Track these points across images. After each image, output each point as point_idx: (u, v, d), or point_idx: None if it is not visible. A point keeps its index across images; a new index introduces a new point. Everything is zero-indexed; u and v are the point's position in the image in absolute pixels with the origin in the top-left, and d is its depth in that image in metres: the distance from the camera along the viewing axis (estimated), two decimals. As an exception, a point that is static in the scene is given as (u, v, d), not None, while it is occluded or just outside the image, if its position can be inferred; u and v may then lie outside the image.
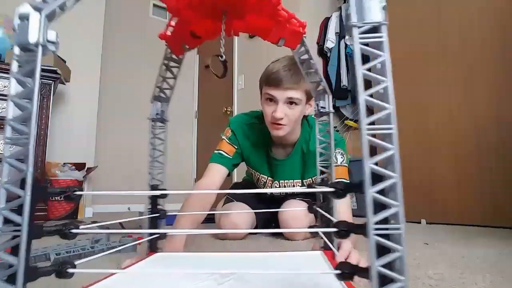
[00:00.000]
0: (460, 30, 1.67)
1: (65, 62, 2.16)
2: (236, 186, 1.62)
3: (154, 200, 0.65)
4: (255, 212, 1.23)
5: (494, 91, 1.53)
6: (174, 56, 0.56)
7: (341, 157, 1.14)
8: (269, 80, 1.06)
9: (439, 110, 1.69)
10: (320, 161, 0.65)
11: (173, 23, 0.50)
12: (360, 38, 0.29)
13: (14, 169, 0.32)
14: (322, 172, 0.64)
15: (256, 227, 1.28)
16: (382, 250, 0.27)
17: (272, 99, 1.07)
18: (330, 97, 0.61)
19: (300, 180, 1.24)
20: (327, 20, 2.52)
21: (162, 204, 0.65)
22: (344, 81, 2.36)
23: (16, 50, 0.32)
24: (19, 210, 0.31)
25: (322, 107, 0.61)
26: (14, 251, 0.30)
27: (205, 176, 1.12)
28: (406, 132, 1.85)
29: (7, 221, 0.31)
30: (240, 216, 1.20)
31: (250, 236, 1.25)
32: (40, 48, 0.31)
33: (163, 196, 0.60)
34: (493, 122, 1.52)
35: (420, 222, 1.68)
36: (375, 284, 0.27)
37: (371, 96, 0.30)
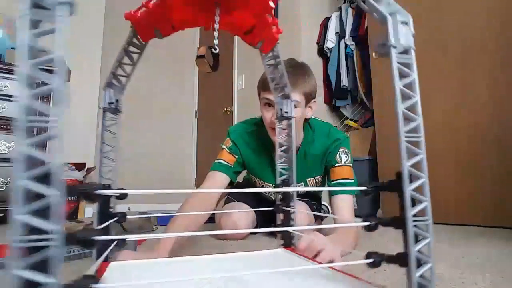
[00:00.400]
0: (460, 30, 1.67)
1: (64, 62, 2.16)
2: (237, 186, 1.63)
3: (106, 201, 0.52)
4: (255, 212, 1.23)
5: (494, 90, 1.53)
6: (137, 41, 0.51)
7: (346, 156, 1.12)
8: (266, 84, 1.02)
9: (439, 110, 1.69)
10: (280, 163, 0.67)
11: (151, 4, 0.45)
12: (398, 57, 0.35)
13: (30, 162, 0.24)
14: (281, 174, 0.67)
15: (256, 227, 1.28)
16: (416, 238, 0.33)
17: (270, 104, 1.05)
18: (292, 103, 0.66)
19: (302, 184, 1.21)
20: (327, 20, 2.52)
21: (113, 205, 0.53)
22: (344, 81, 2.36)
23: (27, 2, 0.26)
24: (43, 214, 0.24)
25: (285, 112, 0.65)
26: (40, 267, 0.23)
27: (205, 183, 1.10)
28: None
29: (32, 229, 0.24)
30: (241, 216, 1.19)
31: (250, 236, 1.25)
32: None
33: (123, 196, 0.46)
34: (492, 122, 1.52)
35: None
36: (413, 268, 0.32)
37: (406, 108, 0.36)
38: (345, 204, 1.03)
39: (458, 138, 1.63)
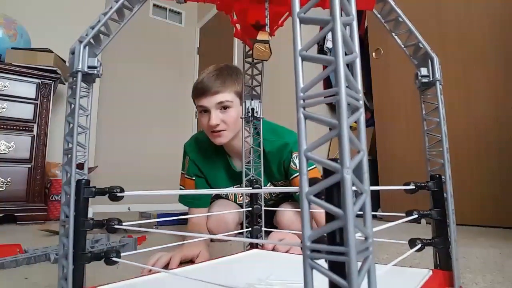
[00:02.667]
0: (460, 30, 1.67)
1: (65, 62, 2.16)
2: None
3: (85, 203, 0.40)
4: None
5: (494, 91, 1.53)
6: None
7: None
8: (197, 91, 1.05)
9: (439, 110, 1.70)
10: (246, 163, 0.70)
11: None
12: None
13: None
14: (246, 174, 0.69)
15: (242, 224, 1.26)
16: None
17: (205, 110, 1.04)
18: (261, 104, 0.69)
19: (267, 187, 1.18)
20: (327, 20, 2.52)
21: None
22: (344, 81, 2.35)
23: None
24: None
25: (254, 111, 0.67)
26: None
27: (190, 220, 1.14)
28: (405, 132, 1.85)
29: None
30: (227, 212, 1.14)
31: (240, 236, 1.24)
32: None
33: (117, 198, 0.41)
34: (493, 122, 1.52)
35: (420, 222, 1.68)
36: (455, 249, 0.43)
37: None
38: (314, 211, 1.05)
39: (458, 138, 1.63)
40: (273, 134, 1.11)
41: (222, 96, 1.01)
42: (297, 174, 1.09)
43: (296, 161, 1.10)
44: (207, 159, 1.17)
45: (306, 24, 0.21)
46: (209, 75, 1.04)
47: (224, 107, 1.02)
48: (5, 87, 1.89)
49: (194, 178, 1.18)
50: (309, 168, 1.16)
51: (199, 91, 1.04)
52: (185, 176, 1.19)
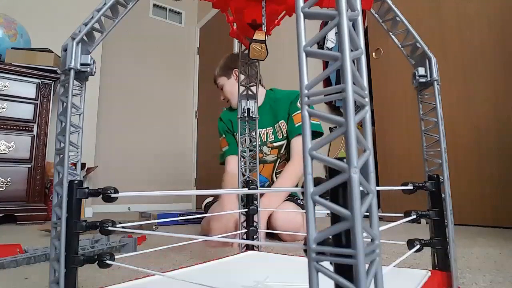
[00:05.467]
0: (460, 31, 1.67)
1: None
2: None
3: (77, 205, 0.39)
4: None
5: (494, 91, 1.53)
6: None
7: None
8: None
9: (439, 110, 1.69)
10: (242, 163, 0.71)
11: None
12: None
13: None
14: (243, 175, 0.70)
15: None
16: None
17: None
18: (256, 103, 0.65)
19: (271, 128, 1.38)
20: (327, 20, 2.51)
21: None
22: (344, 81, 2.35)
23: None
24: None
25: (251, 111, 0.66)
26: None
27: (226, 167, 1.38)
28: (405, 132, 1.85)
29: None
30: (231, 218, 1.10)
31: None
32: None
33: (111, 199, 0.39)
34: (493, 122, 1.52)
35: (420, 222, 1.68)
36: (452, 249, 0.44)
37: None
38: (300, 144, 1.25)
39: (458, 139, 1.63)
40: (285, 90, 1.44)
41: (218, 80, 1.45)
42: (299, 111, 1.29)
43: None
44: (234, 115, 1.44)
45: (310, 19, 0.21)
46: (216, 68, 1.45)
47: (221, 88, 1.45)
48: (5, 87, 1.89)
49: (224, 135, 1.45)
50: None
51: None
52: (220, 138, 1.48)
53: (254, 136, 0.71)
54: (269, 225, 1.17)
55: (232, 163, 1.38)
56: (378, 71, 2.02)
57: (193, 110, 3.74)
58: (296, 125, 1.31)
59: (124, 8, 0.41)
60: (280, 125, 1.36)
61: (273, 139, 1.38)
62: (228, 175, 1.35)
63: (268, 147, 1.39)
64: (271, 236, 1.21)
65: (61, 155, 0.35)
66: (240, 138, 0.71)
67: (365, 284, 0.17)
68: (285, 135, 1.36)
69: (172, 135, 3.58)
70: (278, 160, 1.41)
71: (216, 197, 1.38)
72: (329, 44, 2.44)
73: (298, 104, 1.31)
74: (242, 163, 0.69)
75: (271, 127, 1.38)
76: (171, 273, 0.48)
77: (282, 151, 1.39)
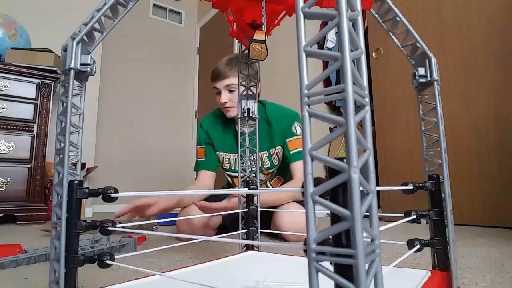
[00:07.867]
0: (460, 31, 1.66)
1: (65, 62, 2.16)
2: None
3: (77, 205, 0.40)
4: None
5: (494, 91, 1.53)
6: None
7: (300, 129, 1.23)
8: (212, 75, 1.28)
9: (439, 110, 1.69)
10: (241, 162, 0.72)
11: None
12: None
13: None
14: (243, 176, 0.71)
15: (222, 226, 1.27)
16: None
17: (219, 92, 1.28)
18: (256, 103, 0.68)
19: (266, 152, 1.34)
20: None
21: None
22: (344, 81, 2.35)
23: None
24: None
25: (250, 111, 0.66)
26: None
27: (194, 183, 1.30)
28: (405, 132, 1.85)
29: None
30: (194, 211, 1.14)
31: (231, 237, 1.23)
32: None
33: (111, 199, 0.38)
34: (493, 122, 1.52)
35: (420, 222, 1.68)
36: (452, 248, 0.45)
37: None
38: (300, 167, 1.25)
39: (458, 139, 1.63)
40: (277, 109, 1.35)
41: (229, 80, 1.24)
42: (294, 137, 1.29)
43: (298, 128, 1.29)
44: (218, 127, 1.38)
45: (310, 19, 0.21)
46: (222, 63, 1.26)
47: (231, 90, 1.25)
48: (5, 87, 1.89)
49: (204, 146, 1.37)
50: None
51: (213, 75, 1.27)
52: (197, 147, 1.40)
53: (254, 159, 0.73)
54: (273, 225, 1.18)
55: (202, 180, 1.33)
56: (378, 71, 2.02)
57: (193, 110, 3.74)
58: (291, 152, 1.28)
59: (124, 8, 0.41)
60: (276, 150, 1.33)
61: (269, 165, 1.34)
62: (193, 186, 1.32)
63: (264, 173, 1.36)
64: (275, 236, 1.21)
65: (61, 155, 0.35)
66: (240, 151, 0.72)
67: (365, 284, 0.17)
68: (281, 160, 1.34)
69: (172, 135, 3.58)
70: (272, 178, 1.40)
71: (210, 197, 1.37)
72: (329, 44, 2.44)
73: (293, 129, 1.29)
74: (241, 162, 0.69)
75: (266, 152, 1.33)
76: (171, 273, 0.48)
77: (275, 171, 1.38)
